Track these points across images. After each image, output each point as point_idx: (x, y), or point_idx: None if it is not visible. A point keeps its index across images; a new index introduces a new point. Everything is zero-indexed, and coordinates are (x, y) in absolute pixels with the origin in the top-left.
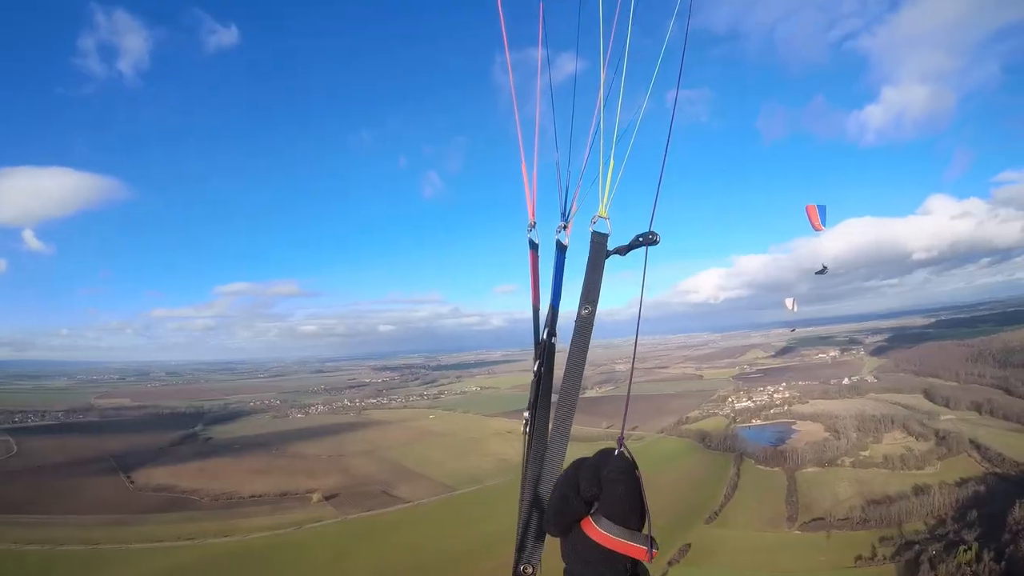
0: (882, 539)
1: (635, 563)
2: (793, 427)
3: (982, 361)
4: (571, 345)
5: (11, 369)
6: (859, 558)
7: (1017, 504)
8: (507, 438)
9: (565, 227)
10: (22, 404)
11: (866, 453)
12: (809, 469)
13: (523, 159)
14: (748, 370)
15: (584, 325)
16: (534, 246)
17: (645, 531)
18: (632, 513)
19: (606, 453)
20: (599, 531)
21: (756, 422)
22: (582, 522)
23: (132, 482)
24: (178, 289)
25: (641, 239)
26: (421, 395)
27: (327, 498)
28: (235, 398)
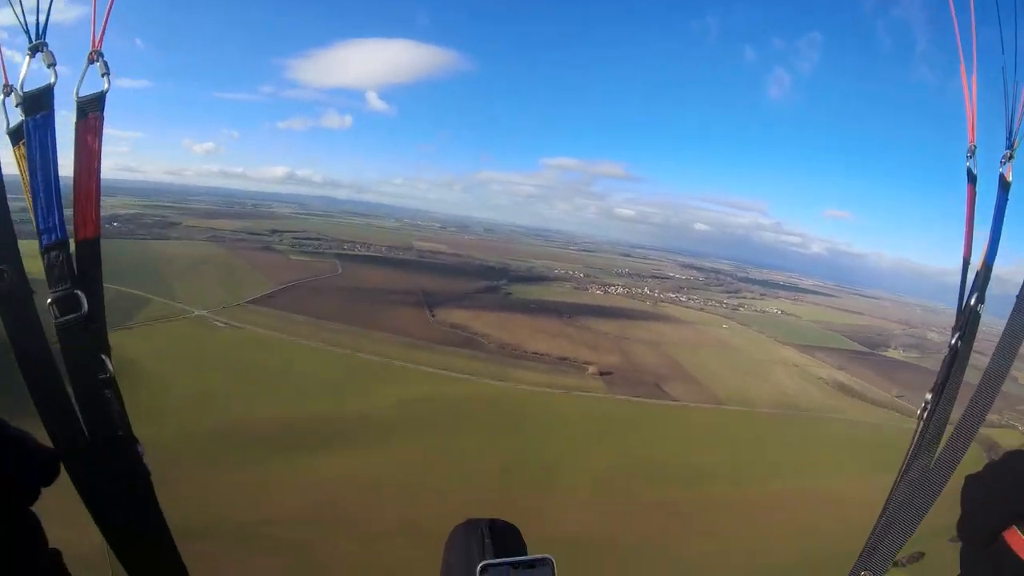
0: None
1: None
2: None
3: None
4: (1009, 320)
5: (348, 207)
6: None
7: None
8: (792, 371)
9: (1011, 157)
10: (353, 236)
11: None
12: None
13: (962, 60)
14: None
15: None
16: (972, 179)
17: None
18: None
19: None
20: None
21: None
22: (1007, 532)
23: (433, 316)
24: (508, 155)
25: None
26: (720, 302)
27: (602, 374)
28: (542, 263)
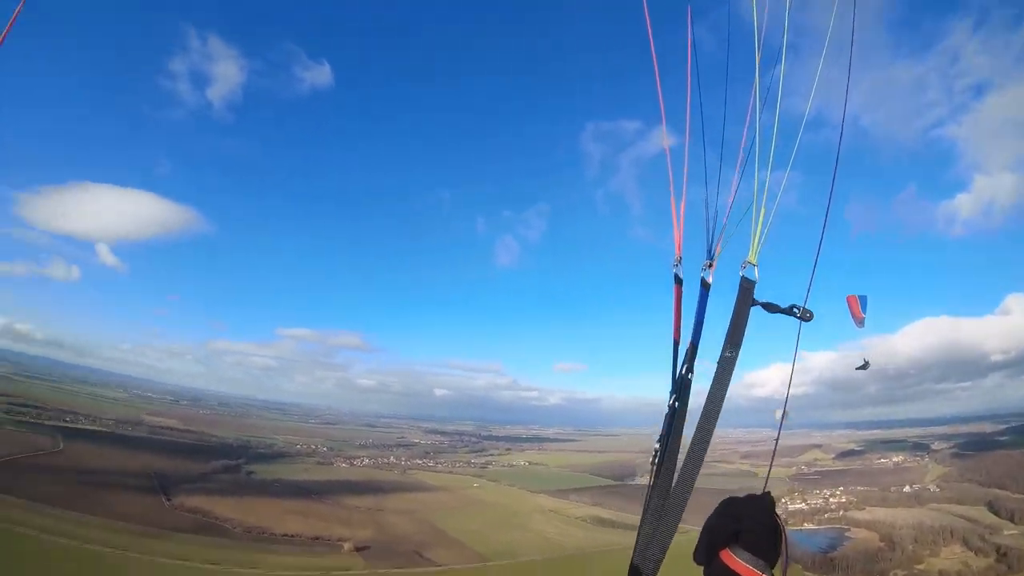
0: None
1: None
2: (847, 534)
3: None
4: (712, 384)
5: (70, 372)
6: None
7: None
8: (549, 516)
9: (710, 266)
10: (75, 406)
11: (921, 567)
12: None
13: (672, 191)
14: (805, 471)
15: (726, 366)
16: (679, 280)
17: (777, 567)
18: (766, 547)
19: (752, 495)
20: (734, 558)
21: (808, 526)
22: (722, 552)
23: (168, 499)
24: (242, 324)
25: (796, 311)
26: (468, 463)
27: (359, 549)
28: (283, 439)
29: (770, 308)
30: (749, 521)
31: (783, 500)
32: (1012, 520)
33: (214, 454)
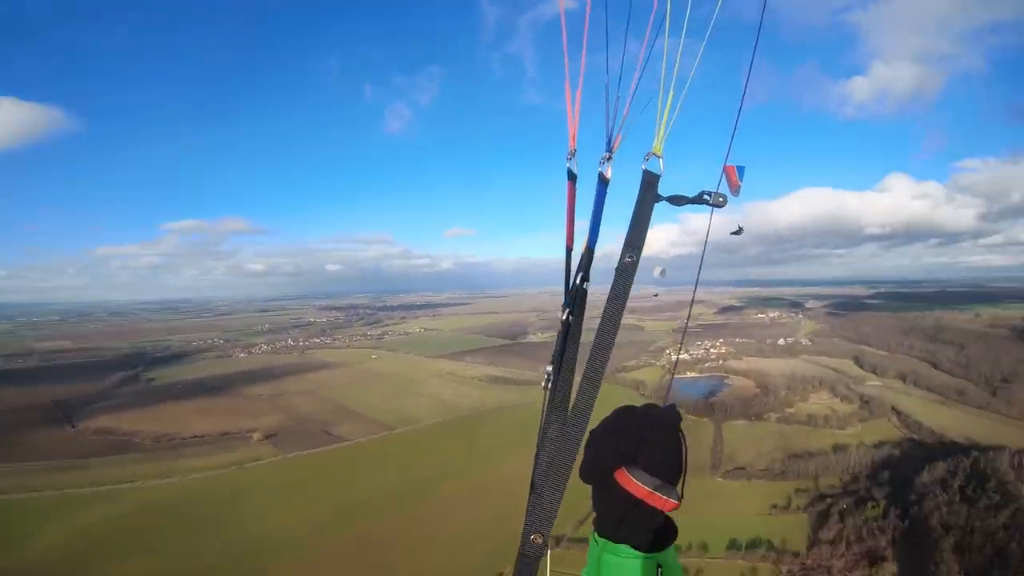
0: (798, 491)
1: (665, 515)
2: (726, 381)
3: (913, 335)
4: (610, 295)
5: None
6: (775, 506)
7: (927, 469)
8: (447, 380)
9: (609, 158)
10: None
11: (792, 410)
12: (737, 421)
13: (567, 76)
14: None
15: (625, 274)
16: (572, 177)
17: (679, 485)
18: (667, 466)
19: (651, 406)
20: (633, 481)
21: (691, 374)
22: (616, 472)
23: (74, 427)
24: (124, 225)
25: (707, 197)
26: (365, 335)
27: (267, 437)
28: (178, 338)
29: (677, 201)
30: (650, 438)
31: (667, 352)
32: (875, 373)
33: (111, 368)
